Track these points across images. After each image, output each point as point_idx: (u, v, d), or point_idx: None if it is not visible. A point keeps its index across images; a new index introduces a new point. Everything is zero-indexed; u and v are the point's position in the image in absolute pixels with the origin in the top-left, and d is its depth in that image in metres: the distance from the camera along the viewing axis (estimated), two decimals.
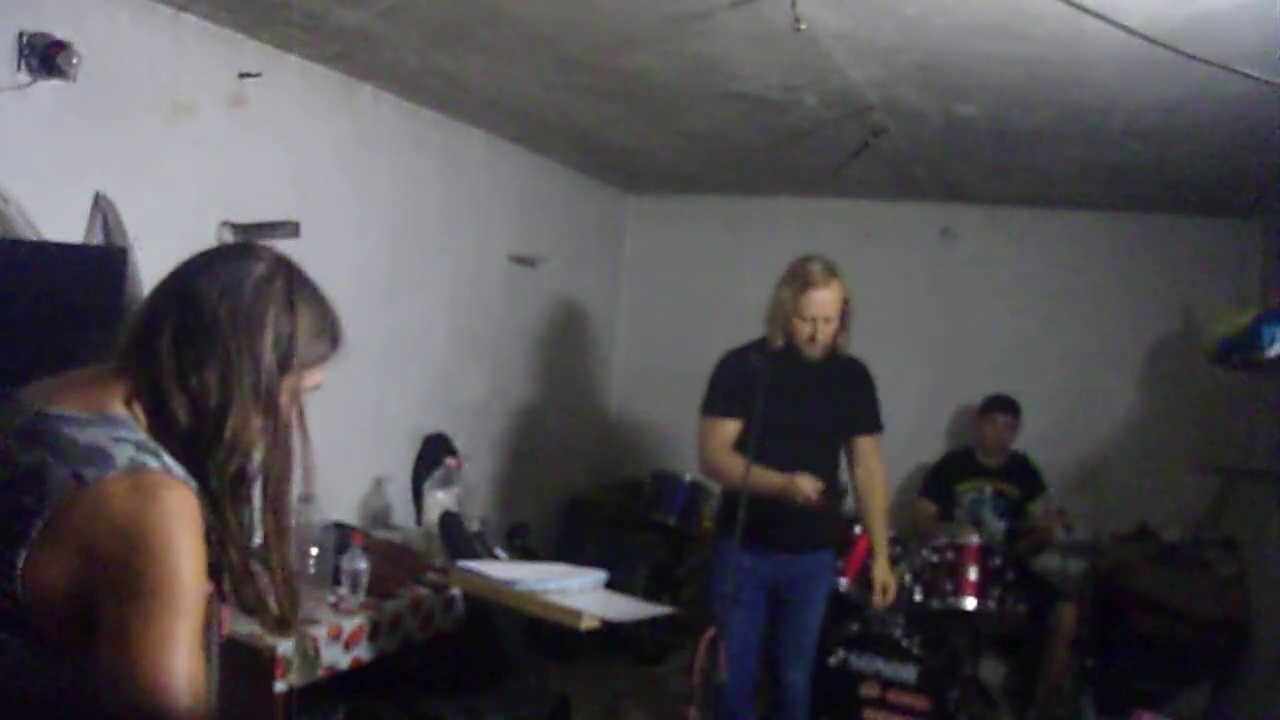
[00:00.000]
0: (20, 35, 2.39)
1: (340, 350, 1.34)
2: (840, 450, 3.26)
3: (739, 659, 3.13)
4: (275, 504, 1.26)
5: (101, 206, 2.58)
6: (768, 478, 2.95)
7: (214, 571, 1.22)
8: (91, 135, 2.63)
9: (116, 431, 1.14)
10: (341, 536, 2.97)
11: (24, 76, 2.41)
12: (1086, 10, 2.29)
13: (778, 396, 3.00)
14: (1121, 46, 2.48)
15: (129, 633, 1.04)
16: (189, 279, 1.22)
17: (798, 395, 3.08)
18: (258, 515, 1.29)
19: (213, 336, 1.19)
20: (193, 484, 1.15)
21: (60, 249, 2.39)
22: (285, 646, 2.46)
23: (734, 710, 3.15)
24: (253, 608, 1.29)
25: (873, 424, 3.29)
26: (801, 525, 3.07)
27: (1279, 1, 2.17)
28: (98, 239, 2.56)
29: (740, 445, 3.09)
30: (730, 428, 3.14)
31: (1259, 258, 4.55)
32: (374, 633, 2.78)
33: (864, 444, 3.26)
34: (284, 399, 1.24)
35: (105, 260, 2.41)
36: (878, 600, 3.27)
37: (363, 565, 2.88)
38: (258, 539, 1.27)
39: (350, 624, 2.71)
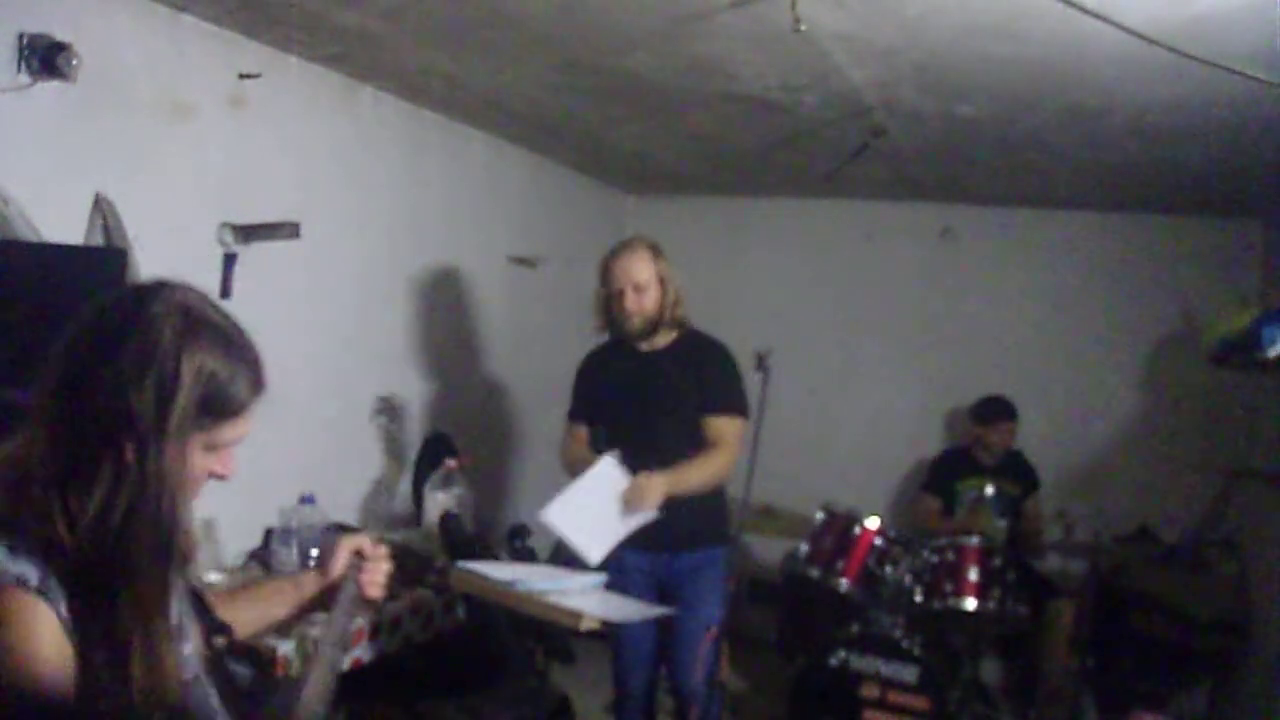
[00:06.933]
0: (20, 36, 2.39)
1: (248, 407, 1.25)
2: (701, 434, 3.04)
3: (635, 664, 3.16)
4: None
5: (101, 207, 2.58)
6: None
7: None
8: (91, 136, 2.62)
9: None
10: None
11: (24, 78, 2.40)
12: (1086, 11, 2.29)
13: (617, 390, 3.07)
14: (1121, 46, 2.48)
15: None
16: (70, 356, 1.17)
17: (638, 385, 3.06)
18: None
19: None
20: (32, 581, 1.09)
21: (60, 250, 2.39)
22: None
23: (636, 717, 3.18)
24: None
25: (721, 404, 3.00)
26: (685, 521, 3.00)
27: (1279, 2, 2.17)
28: (98, 240, 2.55)
29: (597, 445, 3.10)
30: (580, 433, 3.18)
31: (1259, 258, 4.56)
32: (374, 633, 2.78)
33: (710, 425, 3.00)
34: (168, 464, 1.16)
35: (105, 262, 2.41)
36: (629, 494, 2.87)
37: None
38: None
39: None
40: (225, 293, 3.04)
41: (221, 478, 1.27)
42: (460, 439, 4.13)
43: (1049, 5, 2.29)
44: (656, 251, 3.06)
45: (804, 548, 3.80)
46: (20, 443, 1.15)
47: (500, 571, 2.75)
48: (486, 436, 4.48)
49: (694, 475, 2.95)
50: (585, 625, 2.58)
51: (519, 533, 4.35)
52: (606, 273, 3.06)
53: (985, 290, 5.11)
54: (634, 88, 3.37)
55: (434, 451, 3.94)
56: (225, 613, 1.46)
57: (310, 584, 1.58)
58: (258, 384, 1.25)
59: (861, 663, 3.59)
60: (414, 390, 4.04)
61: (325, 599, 1.57)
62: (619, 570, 3.05)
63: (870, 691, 3.57)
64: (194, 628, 1.35)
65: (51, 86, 2.43)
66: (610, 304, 3.07)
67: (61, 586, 1.10)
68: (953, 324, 5.13)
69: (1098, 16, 2.32)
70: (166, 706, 1.14)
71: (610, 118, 3.88)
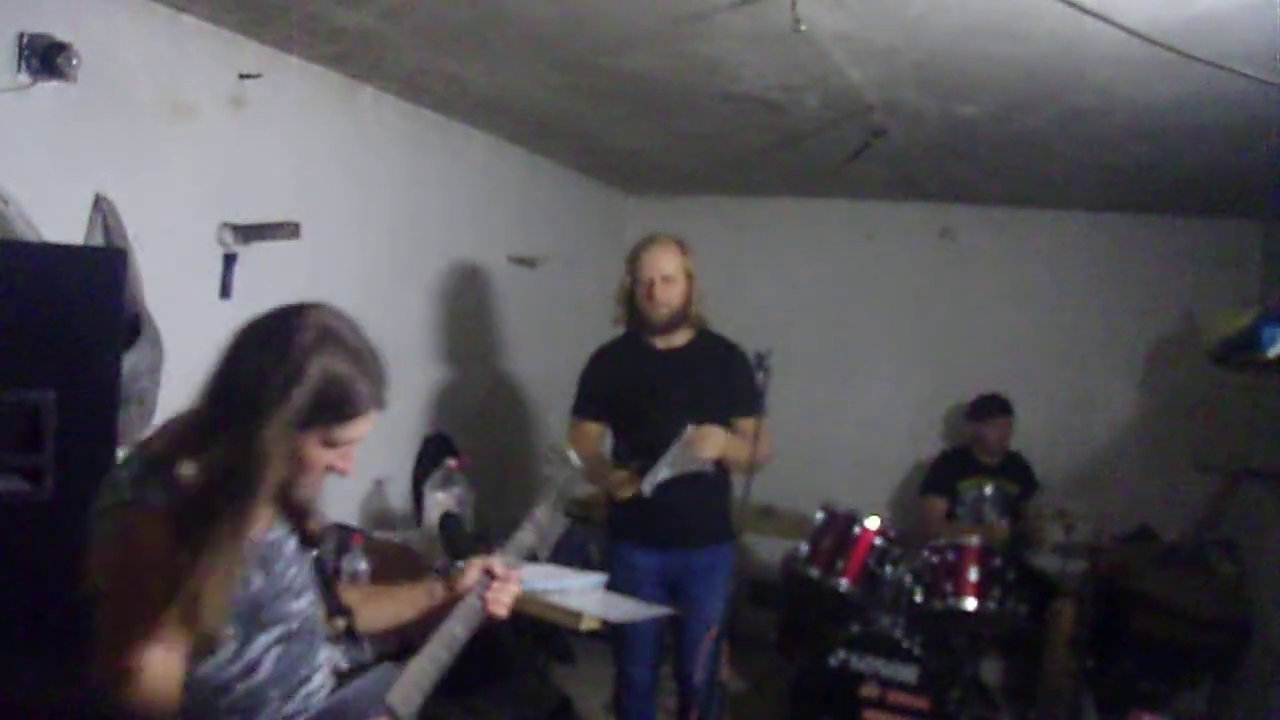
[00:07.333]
0: (20, 36, 2.39)
1: (365, 414, 1.48)
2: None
3: (639, 658, 3.17)
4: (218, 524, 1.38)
5: (101, 208, 2.58)
6: (600, 474, 3.06)
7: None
8: (91, 136, 2.62)
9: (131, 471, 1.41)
10: (342, 537, 2.97)
11: (24, 78, 2.40)
12: (1086, 10, 2.29)
13: (634, 388, 3.08)
14: (1121, 46, 2.48)
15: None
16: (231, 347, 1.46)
17: (660, 383, 3.09)
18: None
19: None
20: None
21: (60, 250, 2.39)
22: None
23: (639, 711, 3.19)
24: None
25: (752, 406, 2.97)
26: (693, 519, 3.06)
27: (1279, 2, 2.17)
28: (98, 240, 2.55)
29: (616, 442, 3.16)
30: (590, 430, 3.19)
31: (1259, 258, 4.56)
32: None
33: (743, 426, 3.04)
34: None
35: (105, 262, 2.41)
36: (696, 435, 2.94)
37: (363, 566, 2.88)
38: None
39: None
40: (225, 293, 3.04)
41: (342, 473, 1.50)
42: (460, 439, 4.13)
43: (1049, 5, 2.29)
44: (683, 246, 3.13)
45: (804, 548, 3.80)
46: (192, 409, 1.45)
47: None
48: (486, 436, 4.48)
49: (742, 449, 2.99)
50: (585, 625, 2.59)
51: None
52: (635, 264, 3.11)
53: (985, 290, 5.11)
54: (634, 88, 3.36)
55: (434, 452, 3.94)
56: (359, 604, 1.71)
57: (439, 593, 1.79)
58: (377, 398, 1.48)
59: (861, 663, 3.59)
60: (414, 390, 4.04)
61: (451, 609, 1.75)
62: (630, 568, 3.07)
63: (870, 691, 3.57)
64: (315, 594, 1.60)
65: (51, 86, 2.43)
66: (635, 296, 3.11)
67: (199, 514, 1.35)
68: (952, 324, 5.13)
69: (1098, 16, 2.32)
70: (200, 627, 1.36)
71: (610, 118, 3.88)
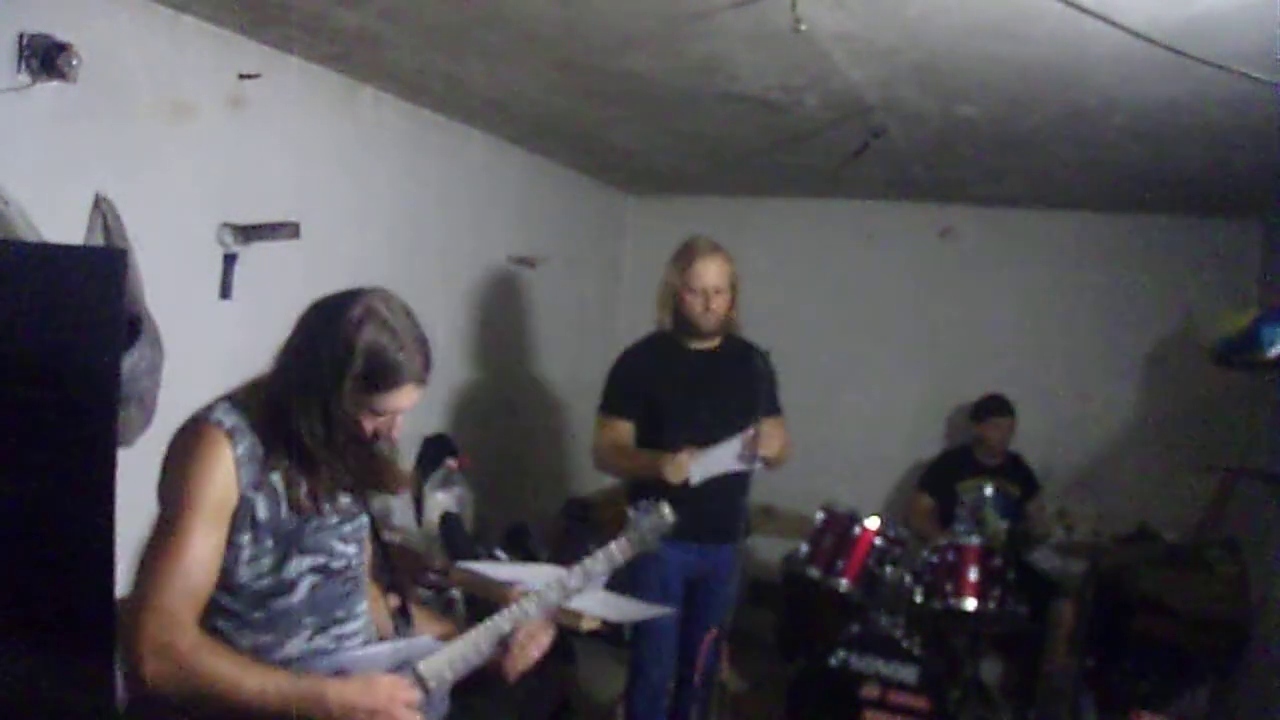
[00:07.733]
0: (21, 37, 2.38)
1: (402, 385, 1.65)
2: None
3: (658, 656, 3.17)
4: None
5: (101, 208, 2.57)
6: (645, 460, 3.06)
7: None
8: (91, 136, 2.62)
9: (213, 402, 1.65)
10: None
11: (24, 78, 2.40)
12: (1086, 10, 2.29)
13: (672, 388, 3.12)
14: (1121, 46, 2.48)
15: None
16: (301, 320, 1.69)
17: (705, 382, 3.14)
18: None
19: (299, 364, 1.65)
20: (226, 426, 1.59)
21: (60, 250, 2.38)
22: None
23: (651, 711, 3.19)
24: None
25: (777, 407, 3.22)
26: (730, 515, 3.06)
27: (1279, 2, 2.17)
28: (98, 240, 2.55)
29: (643, 442, 3.17)
30: (622, 428, 3.20)
31: (1259, 258, 4.56)
32: None
33: (769, 425, 3.09)
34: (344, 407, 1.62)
35: (105, 262, 2.40)
36: (758, 435, 2.96)
37: None
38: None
39: None
40: (225, 293, 3.04)
41: (389, 440, 1.70)
42: (460, 439, 4.13)
43: (1049, 5, 2.29)
44: (729, 256, 3.21)
45: (804, 548, 3.80)
46: (271, 370, 1.67)
47: (500, 572, 2.75)
48: (487, 436, 4.48)
49: (784, 447, 3.15)
50: (586, 625, 2.59)
51: (519, 533, 4.36)
52: (688, 272, 3.14)
53: (985, 290, 5.11)
54: (634, 88, 3.36)
55: (434, 452, 3.94)
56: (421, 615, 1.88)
57: None
58: (416, 373, 1.65)
59: (861, 663, 3.59)
60: None
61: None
62: (657, 563, 3.06)
63: (870, 691, 3.57)
64: (365, 551, 1.79)
65: (51, 86, 2.43)
66: (683, 299, 3.15)
67: (259, 441, 1.60)
68: (952, 324, 5.13)
69: (1098, 16, 2.32)
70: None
71: (610, 118, 3.87)
